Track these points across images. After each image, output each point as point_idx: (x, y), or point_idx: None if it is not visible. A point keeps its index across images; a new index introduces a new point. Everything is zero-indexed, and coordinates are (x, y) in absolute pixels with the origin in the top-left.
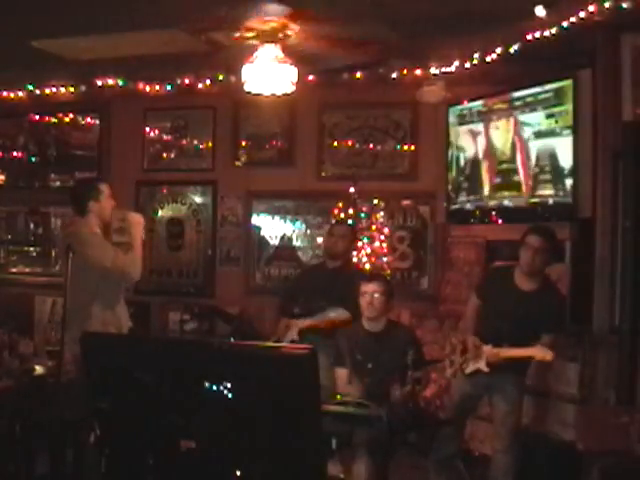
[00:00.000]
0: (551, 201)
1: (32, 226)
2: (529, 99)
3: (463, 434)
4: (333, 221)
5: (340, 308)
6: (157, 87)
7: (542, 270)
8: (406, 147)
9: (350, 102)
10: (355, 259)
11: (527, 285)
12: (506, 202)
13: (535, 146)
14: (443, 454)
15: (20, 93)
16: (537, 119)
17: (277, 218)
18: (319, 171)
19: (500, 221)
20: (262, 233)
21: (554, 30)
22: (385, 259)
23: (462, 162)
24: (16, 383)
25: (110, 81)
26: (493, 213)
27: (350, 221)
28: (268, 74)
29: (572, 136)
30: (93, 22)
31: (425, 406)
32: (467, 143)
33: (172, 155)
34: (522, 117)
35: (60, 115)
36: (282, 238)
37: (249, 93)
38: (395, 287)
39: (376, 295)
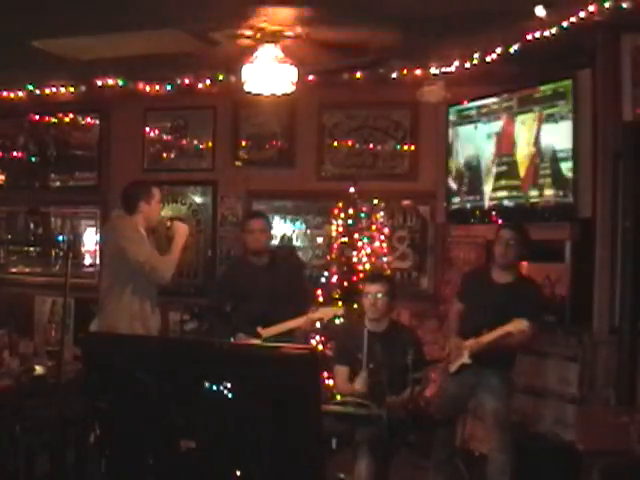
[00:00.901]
0: (551, 201)
1: (32, 226)
2: (529, 99)
3: (456, 434)
4: (247, 216)
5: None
6: (157, 87)
7: (516, 262)
8: (406, 147)
9: (350, 102)
10: (355, 259)
11: (503, 278)
12: (506, 202)
13: (535, 146)
14: (441, 455)
15: (20, 93)
16: (537, 119)
17: (277, 218)
18: (319, 171)
19: (500, 221)
20: None
21: (554, 30)
22: (385, 259)
23: (462, 162)
24: (16, 383)
25: (110, 81)
26: (493, 213)
27: (349, 221)
28: (268, 74)
29: (572, 136)
30: (93, 22)
31: (425, 406)
32: (467, 143)
33: (172, 155)
34: (522, 117)
35: (60, 115)
36: (282, 238)
37: (249, 93)
38: (397, 287)
39: (379, 296)
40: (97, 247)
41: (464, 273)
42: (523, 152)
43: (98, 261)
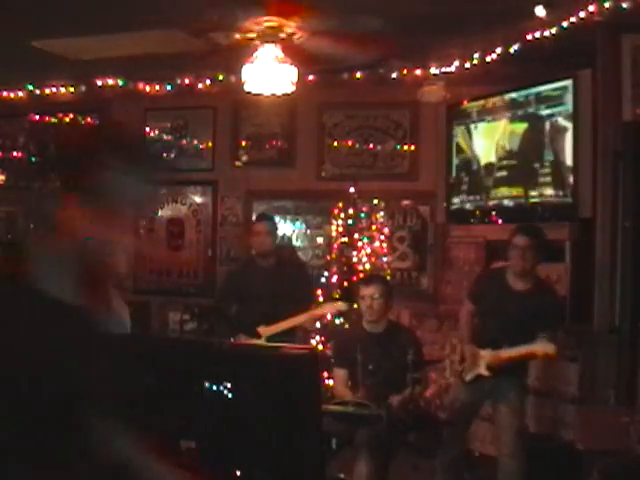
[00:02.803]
0: (551, 201)
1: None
2: (529, 99)
3: (466, 438)
4: (253, 218)
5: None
6: (157, 87)
7: (533, 269)
8: (406, 147)
9: (350, 102)
10: (355, 259)
11: (520, 285)
12: (506, 202)
13: (535, 146)
14: (448, 457)
15: (20, 93)
16: (537, 119)
17: (277, 218)
18: (319, 171)
19: (500, 221)
20: None
21: (554, 30)
22: (385, 259)
23: (462, 162)
24: None
25: (110, 81)
26: (493, 213)
27: (349, 221)
28: (268, 74)
29: (572, 136)
30: (93, 22)
31: (425, 406)
32: (467, 143)
33: (172, 155)
34: (522, 117)
35: (60, 115)
36: (282, 238)
37: (249, 93)
38: (395, 287)
39: (375, 297)
40: None
41: (478, 274)
42: (523, 152)
43: None
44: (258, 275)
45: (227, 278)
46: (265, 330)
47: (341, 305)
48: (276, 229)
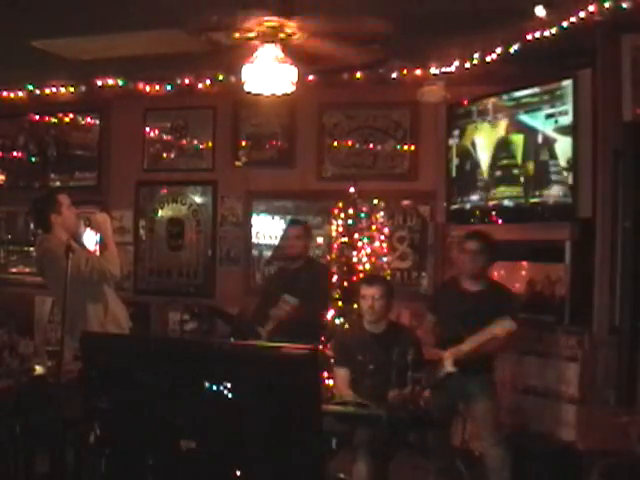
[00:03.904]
0: (551, 201)
1: (32, 226)
2: (529, 99)
3: (450, 435)
4: (288, 222)
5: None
6: (157, 87)
7: (484, 271)
8: (406, 147)
9: (350, 102)
10: (355, 259)
11: (474, 287)
12: (506, 202)
13: (535, 146)
14: (441, 459)
15: (20, 93)
16: (537, 119)
17: (277, 218)
18: (319, 171)
19: (500, 221)
20: (262, 233)
21: (554, 30)
22: (385, 259)
23: (462, 162)
24: (16, 383)
25: (110, 81)
26: (493, 213)
27: (349, 221)
28: (268, 74)
29: (572, 136)
30: (93, 22)
31: (425, 406)
32: (467, 143)
33: (172, 155)
34: (522, 117)
35: (60, 115)
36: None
37: (249, 93)
38: (395, 287)
39: (376, 298)
40: (96, 248)
41: (435, 287)
42: (523, 152)
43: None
44: (285, 277)
45: (265, 281)
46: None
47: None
48: (309, 234)
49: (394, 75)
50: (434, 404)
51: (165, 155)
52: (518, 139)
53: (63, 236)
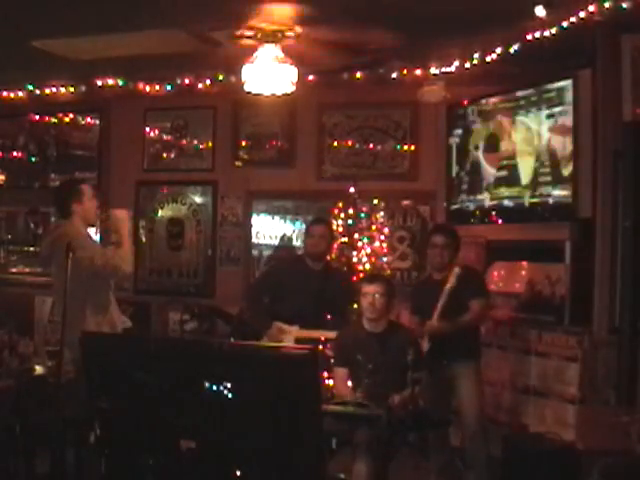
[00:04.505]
0: (551, 201)
1: (32, 226)
2: (529, 99)
3: (449, 434)
4: (310, 220)
5: (336, 328)
6: (157, 87)
7: (451, 262)
8: (406, 147)
9: (350, 102)
10: (355, 259)
11: (441, 275)
12: (506, 202)
13: (535, 146)
14: (441, 458)
15: (20, 93)
16: (537, 119)
17: (277, 218)
18: (319, 171)
19: (500, 221)
20: (262, 233)
21: (554, 30)
22: (385, 259)
23: (462, 162)
24: (16, 383)
25: (110, 81)
26: (493, 213)
27: (349, 221)
28: (268, 74)
29: (572, 136)
30: (93, 22)
31: (425, 406)
32: (467, 143)
33: (172, 155)
34: (522, 117)
35: (60, 115)
36: (282, 238)
37: (249, 93)
38: (395, 287)
39: (377, 296)
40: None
41: (411, 289)
42: (523, 152)
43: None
44: (303, 274)
45: (270, 271)
46: (300, 332)
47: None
48: (332, 234)
49: (394, 75)
50: (431, 404)
51: (165, 155)
52: (518, 139)
53: (80, 225)
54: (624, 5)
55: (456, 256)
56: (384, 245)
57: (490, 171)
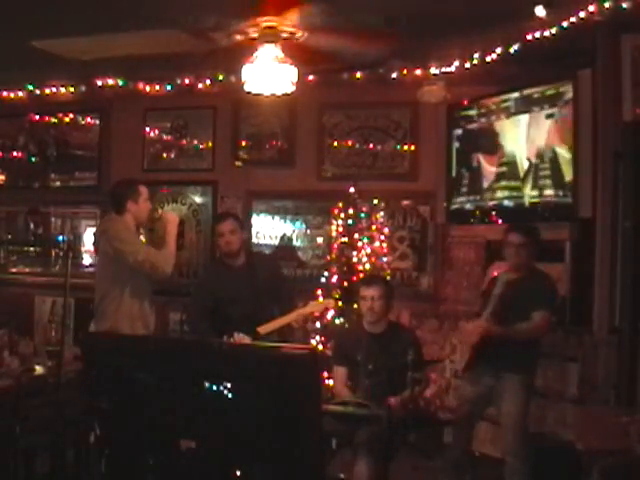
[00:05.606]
0: (551, 201)
1: (32, 226)
2: (529, 99)
3: (471, 438)
4: (214, 218)
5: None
6: (157, 87)
7: (528, 262)
8: (406, 147)
9: (350, 102)
10: (355, 259)
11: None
12: (506, 202)
13: (535, 146)
14: (452, 457)
15: (20, 93)
16: (537, 119)
17: (277, 218)
18: (319, 171)
19: (500, 221)
20: (262, 233)
21: (554, 30)
22: (385, 259)
23: (462, 162)
24: (16, 383)
25: (110, 81)
26: (493, 213)
27: (349, 221)
28: (268, 74)
29: (572, 136)
30: (93, 22)
31: (425, 406)
32: (467, 143)
33: (172, 155)
34: (522, 117)
35: (60, 115)
36: (282, 238)
37: (249, 93)
38: (395, 287)
39: (375, 299)
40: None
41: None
42: (523, 152)
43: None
44: (230, 276)
45: (197, 289)
46: (263, 329)
47: (329, 302)
48: (242, 227)
49: (394, 75)
50: (463, 399)
51: (165, 155)
52: (518, 139)
53: (131, 223)
54: (624, 5)
55: (534, 256)
56: (384, 245)
57: (490, 171)
